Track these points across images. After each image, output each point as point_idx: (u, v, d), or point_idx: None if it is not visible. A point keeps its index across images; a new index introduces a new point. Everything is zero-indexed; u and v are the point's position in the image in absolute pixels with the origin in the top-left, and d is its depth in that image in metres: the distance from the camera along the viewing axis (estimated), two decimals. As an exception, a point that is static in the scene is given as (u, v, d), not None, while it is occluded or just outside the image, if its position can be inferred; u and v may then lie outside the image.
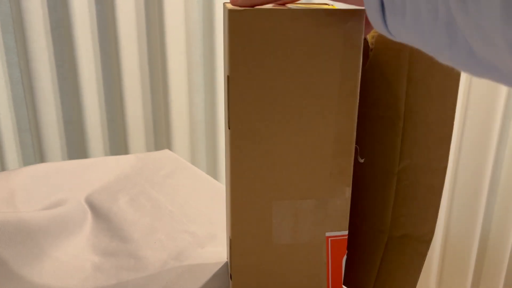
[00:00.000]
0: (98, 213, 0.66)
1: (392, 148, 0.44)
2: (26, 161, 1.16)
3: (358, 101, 0.40)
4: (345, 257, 0.45)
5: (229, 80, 0.39)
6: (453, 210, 1.40)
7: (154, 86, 1.19)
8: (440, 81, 0.42)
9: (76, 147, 1.18)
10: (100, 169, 0.78)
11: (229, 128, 0.40)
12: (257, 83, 0.39)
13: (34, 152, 1.16)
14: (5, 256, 0.52)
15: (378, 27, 0.32)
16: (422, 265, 0.46)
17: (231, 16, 0.37)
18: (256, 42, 0.37)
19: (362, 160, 0.46)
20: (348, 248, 0.46)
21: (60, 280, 0.51)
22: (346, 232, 0.44)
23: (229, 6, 0.38)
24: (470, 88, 1.32)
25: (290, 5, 0.41)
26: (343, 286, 0.46)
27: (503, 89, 1.28)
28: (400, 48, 0.42)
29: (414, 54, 0.42)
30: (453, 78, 0.42)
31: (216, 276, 0.51)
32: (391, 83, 0.43)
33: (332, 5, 0.43)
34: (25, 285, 0.49)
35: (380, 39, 0.43)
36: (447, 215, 1.41)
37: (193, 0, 1.14)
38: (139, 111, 1.18)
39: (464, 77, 1.30)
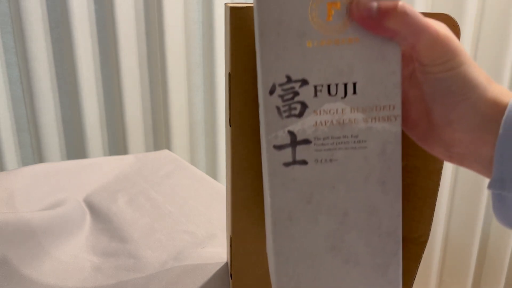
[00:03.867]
0: (97, 213, 0.65)
1: None
2: (25, 161, 1.16)
3: None
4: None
5: (230, 77, 0.38)
6: (453, 211, 1.40)
7: (153, 86, 1.19)
8: None
9: (75, 147, 1.17)
10: (99, 169, 0.78)
11: (230, 126, 0.40)
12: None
13: (33, 152, 1.16)
14: (5, 256, 0.52)
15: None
16: (418, 267, 0.46)
17: (233, 13, 0.37)
18: None
19: None
20: None
21: (60, 280, 0.51)
22: None
23: (230, 4, 0.38)
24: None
25: None
26: None
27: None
28: None
29: None
30: None
31: (215, 276, 0.51)
32: None
33: None
34: (25, 285, 0.49)
35: None
36: (447, 216, 1.41)
37: (192, 1, 1.14)
38: (138, 111, 1.18)
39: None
